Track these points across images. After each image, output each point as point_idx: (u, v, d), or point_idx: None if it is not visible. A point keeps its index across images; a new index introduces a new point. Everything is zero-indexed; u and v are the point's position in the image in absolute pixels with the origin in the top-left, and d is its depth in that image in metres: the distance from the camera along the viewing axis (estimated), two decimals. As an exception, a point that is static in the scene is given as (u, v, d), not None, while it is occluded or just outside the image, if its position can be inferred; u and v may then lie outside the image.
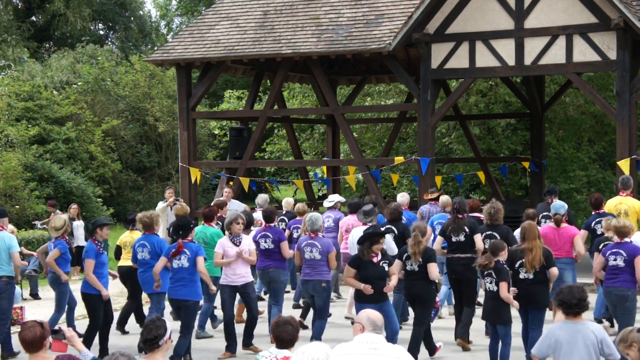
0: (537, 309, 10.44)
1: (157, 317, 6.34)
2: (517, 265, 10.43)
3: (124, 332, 13.36)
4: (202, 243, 12.54)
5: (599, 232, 12.82)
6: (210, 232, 13.06)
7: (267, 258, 12.48)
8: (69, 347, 6.59)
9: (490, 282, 10.35)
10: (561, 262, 12.02)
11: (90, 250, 11.67)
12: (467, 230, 11.95)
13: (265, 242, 12.46)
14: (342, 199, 16.05)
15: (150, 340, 6.15)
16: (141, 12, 49.76)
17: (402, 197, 15.26)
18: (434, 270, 10.82)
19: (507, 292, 10.21)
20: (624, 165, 16.35)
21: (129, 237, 13.53)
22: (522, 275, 10.41)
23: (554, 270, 10.51)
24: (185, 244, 11.25)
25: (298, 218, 15.17)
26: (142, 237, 12.53)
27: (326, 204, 15.71)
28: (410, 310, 12.14)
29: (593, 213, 13.46)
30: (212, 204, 15.37)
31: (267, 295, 13.14)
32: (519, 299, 10.34)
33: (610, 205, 13.86)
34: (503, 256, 10.38)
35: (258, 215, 15.61)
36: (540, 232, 10.77)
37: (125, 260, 13.34)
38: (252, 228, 13.58)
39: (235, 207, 17.47)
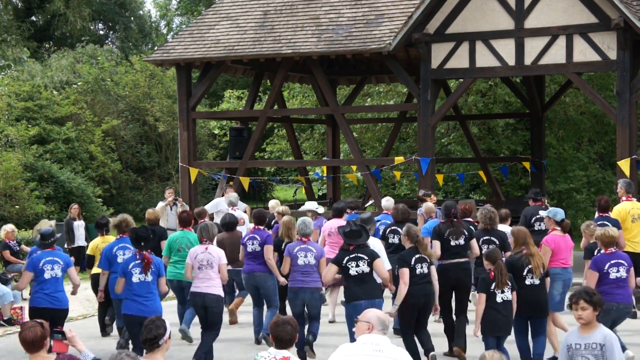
0: (544, 314, 10.23)
1: (156, 317, 6.34)
2: (525, 272, 10.05)
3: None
4: (185, 249, 12.08)
5: None
6: (192, 237, 12.27)
7: (254, 261, 12.05)
8: (70, 347, 6.59)
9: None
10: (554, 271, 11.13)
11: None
12: (466, 233, 11.51)
13: (253, 244, 12.03)
14: (315, 208, 15.29)
15: (150, 340, 6.15)
16: (141, 12, 49.74)
17: (387, 202, 14.67)
18: (434, 272, 10.52)
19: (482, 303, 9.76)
20: (624, 165, 16.34)
21: (101, 243, 12.48)
22: (528, 282, 10.05)
23: (549, 280, 10.35)
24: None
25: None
26: (120, 239, 11.67)
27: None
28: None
29: (597, 215, 12.56)
30: (190, 210, 14.80)
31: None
32: (524, 305, 9.91)
33: (624, 210, 13.17)
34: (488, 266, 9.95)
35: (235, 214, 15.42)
36: (533, 240, 10.35)
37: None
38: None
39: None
